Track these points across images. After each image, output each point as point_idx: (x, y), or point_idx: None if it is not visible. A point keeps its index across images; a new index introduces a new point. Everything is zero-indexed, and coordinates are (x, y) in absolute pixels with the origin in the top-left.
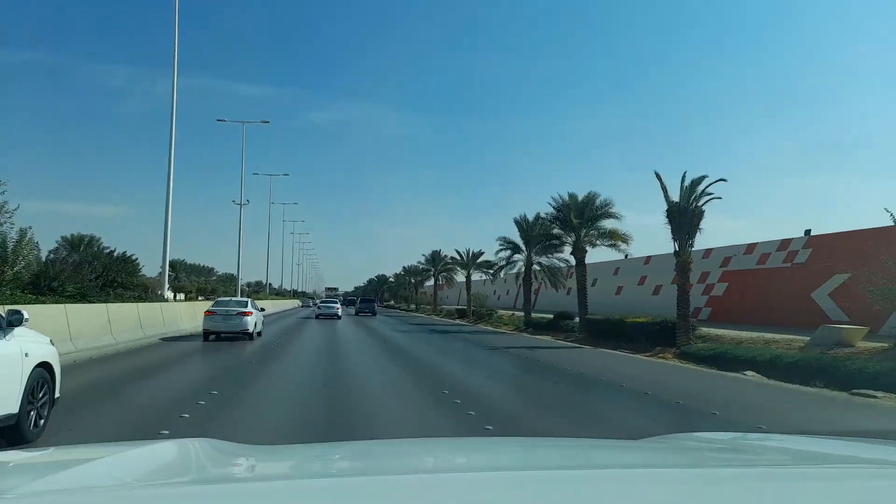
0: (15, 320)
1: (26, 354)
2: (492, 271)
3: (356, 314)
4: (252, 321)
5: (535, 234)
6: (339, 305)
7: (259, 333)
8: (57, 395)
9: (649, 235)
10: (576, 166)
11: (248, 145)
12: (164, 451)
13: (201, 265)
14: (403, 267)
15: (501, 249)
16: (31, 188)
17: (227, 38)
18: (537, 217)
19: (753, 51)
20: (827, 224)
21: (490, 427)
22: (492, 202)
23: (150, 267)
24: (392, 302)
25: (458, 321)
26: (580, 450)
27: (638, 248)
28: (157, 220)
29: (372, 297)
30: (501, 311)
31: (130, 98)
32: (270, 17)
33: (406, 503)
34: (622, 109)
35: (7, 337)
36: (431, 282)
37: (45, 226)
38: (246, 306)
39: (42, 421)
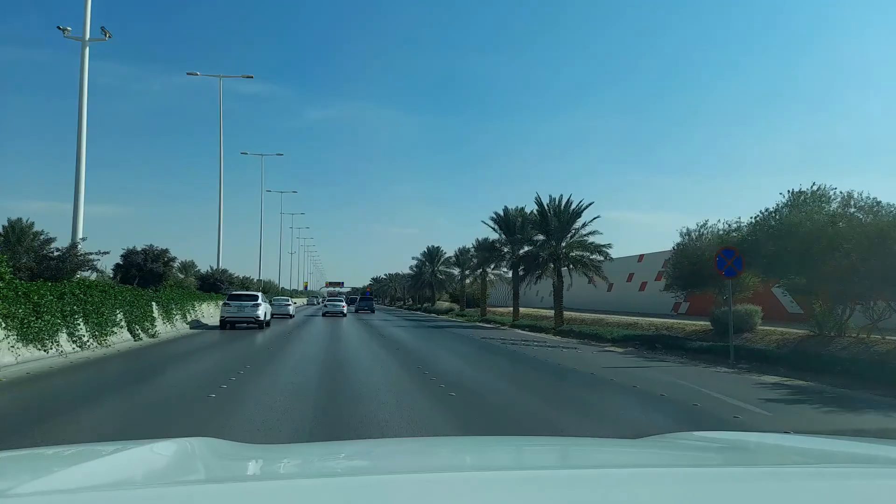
0: (264, 299)
1: (267, 307)
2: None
3: (356, 311)
4: (292, 309)
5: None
6: (344, 304)
7: (293, 315)
8: (269, 318)
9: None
10: (572, 164)
11: (247, 143)
12: (163, 450)
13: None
14: (459, 248)
15: None
16: (26, 187)
17: (228, 35)
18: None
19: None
20: None
21: None
22: (495, 204)
23: None
24: (457, 307)
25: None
26: (581, 449)
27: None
28: (156, 219)
29: (370, 296)
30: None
31: (126, 96)
32: (271, 15)
33: (407, 503)
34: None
35: (266, 303)
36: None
37: (44, 225)
38: (288, 301)
39: (270, 324)
